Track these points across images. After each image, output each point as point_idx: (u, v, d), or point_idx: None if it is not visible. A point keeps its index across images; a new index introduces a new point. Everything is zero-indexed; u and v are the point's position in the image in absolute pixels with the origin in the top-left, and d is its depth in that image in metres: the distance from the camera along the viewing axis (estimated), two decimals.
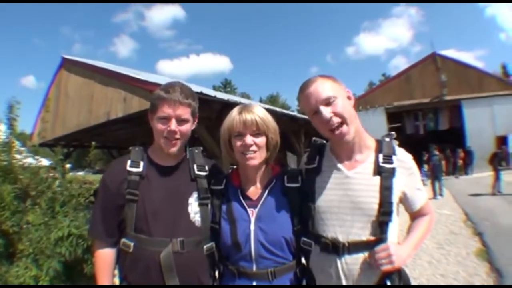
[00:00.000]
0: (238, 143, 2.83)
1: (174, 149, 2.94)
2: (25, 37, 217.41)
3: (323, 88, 2.61)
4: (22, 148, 7.08)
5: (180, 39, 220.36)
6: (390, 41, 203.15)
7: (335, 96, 2.59)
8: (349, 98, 2.73)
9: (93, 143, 8.81)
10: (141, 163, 2.98)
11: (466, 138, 35.36)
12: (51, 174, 6.68)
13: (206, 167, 3.15)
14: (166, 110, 2.84)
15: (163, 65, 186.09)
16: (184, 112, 2.90)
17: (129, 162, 2.96)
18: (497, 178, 20.99)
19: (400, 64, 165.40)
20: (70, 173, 8.60)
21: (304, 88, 2.70)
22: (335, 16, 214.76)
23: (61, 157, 7.19)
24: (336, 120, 2.58)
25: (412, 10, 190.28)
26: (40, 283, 4.86)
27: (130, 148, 3.12)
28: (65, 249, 5.16)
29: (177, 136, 2.90)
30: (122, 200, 2.85)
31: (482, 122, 34.34)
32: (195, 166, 3.09)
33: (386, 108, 37.79)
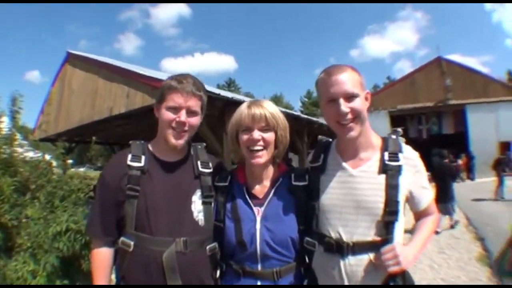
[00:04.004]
0: (245, 138, 2.76)
1: (180, 141, 2.85)
2: (30, 32, 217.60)
3: (351, 81, 2.52)
4: (24, 142, 7.07)
5: (185, 37, 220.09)
6: (395, 44, 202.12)
7: (358, 94, 2.52)
8: (366, 99, 2.65)
9: (94, 138, 8.75)
10: (143, 158, 2.87)
11: (470, 143, 35.32)
12: (52, 168, 6.66)
13: (210, 164, 3.06)
14: (178, 100, 2.77)
15: (168, 63, 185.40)
16: (195, 104, 2.84)
17: (129, 156, 2.85)
18: (500, 184, 20.94)
19: (405, 67, 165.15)
20: (72, 169, 8.56)
21: (331, 72, 2.58)
22: (340, 18, 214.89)
23: (62, 151, 7.16)
24: (349, 116, 2.51)
25: (419, 14, 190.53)
26: (37, 278, 4.83)
27: (131, 142, 3.02)
28: (63, 244, 5.13)
29: (186, 128, 2.83)
30: (122, 196, 2.74)
31: (486, 128, 34.29)
32: (199, 163, 3.01)
33: (389, 111, 37.74)
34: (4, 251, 5.21)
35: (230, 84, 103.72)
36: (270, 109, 2.81)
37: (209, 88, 10.00)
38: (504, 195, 20.55)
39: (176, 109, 2.78)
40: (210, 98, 9.60)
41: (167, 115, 2.80)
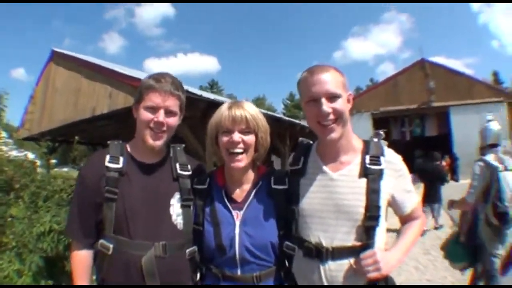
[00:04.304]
0: (225, 140, 2.74)
1: (159, 143, 2.81)
2: (15, 29, 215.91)
3: (334, 81, 2.50)
4: (9, 140, 7.03)
5: (168, 37, 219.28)
6: (378, 46, 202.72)
7: (341, 95, 2.50)
8: (348, 101, 2.63)
9: (76, 137, 8.71)
10: (121, 159, 2.82)
11: (453, 144, 35.48)
12: (36, 168, 6.64)
13: (189, 166, 3.03)
14: (155, 100, 2.73)
15: (151, 63, 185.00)
16: (174, 104, 2.80)
17: (107, 157, 2.80)
18: None
19: (388, 70, 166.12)
20: (55, 169, 8.50)
21: (314, 72, 2.55)
22: (324, 20, 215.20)
23: (45, 151, 7.13)
24: (331, 117, 2.48)
25: (403, 16, 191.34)
26: (23, 278, 4.82)
27: (109, 142, 2.97)
28: (47, 245, 5.14)
29: (164, 128, 2.78)
30: (100, 198, 2.70)
31: (470, 129, 34.08)
32: (177, 165, 2.98)
33: (372, 114, 37.84)
34: None
35: (212, 86, 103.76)
36: (251, 110, 2.80)
37: (191, 89, 10.01)
38: None
39: (154, 109, 2.75)
40: (192, 99, 9.66)
41: (145, 115, 2.76)
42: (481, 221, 5.85)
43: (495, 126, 6.52)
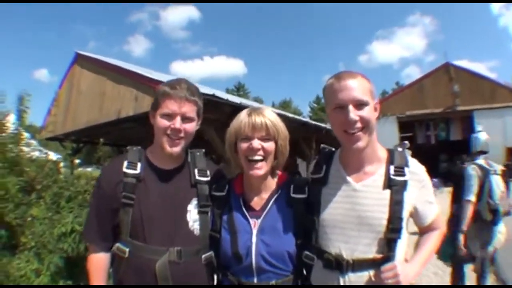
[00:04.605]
0: (244, 147, 2.68)
1: (176, 149, 2.79)
2: (38, 31, 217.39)
3: (361, 88, 2.43)
4: (32, 141, 7.10)
5: (194, 40, 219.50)
6: (403, 49, 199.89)
7: (368, 102, 2.43)
8: (375, 109, 2.55)
9: (101, 140, 8.76)
10: (139, 165, 2.84)
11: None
12: (59, 168, 6.69)
13: (208, 172, 3.00)
14: (171, 107, 2.70)
15: (177, 66, 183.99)
16: (190, 110, 2.77)
17: (125, 163, 2.82)
18: (507, 191, 20.81)
19: (413, 73, 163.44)
20: (80, 169, 8.56)
21: (341, 78, 2.47)
22: (349, 23, 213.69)
23: (69, 152, 7.19)
24: (358, 125, 2.41)
25: (427, 19, 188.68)
26: (41, 277, 4.86)
27: (128, 147, 2.99)
28: (68, 245, 5.16)
29: (181, 134, 2.76)
30: (117, 203, 2.72)
31: (493, 133, 33.78)
32: (196, 171, 2.95)
33: (398, 117, 37.52)
34: (8, 249, 5.24)
35: (239, 89, 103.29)
36: (271, 117, 2.74)
37: (217, 93, 10.02)
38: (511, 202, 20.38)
39: (170, 116, 2.73)
40: (218, 103, 9.68)
41: (162, 122, 2.75)
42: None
43: (483, 136, 7.26)
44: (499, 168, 6.75)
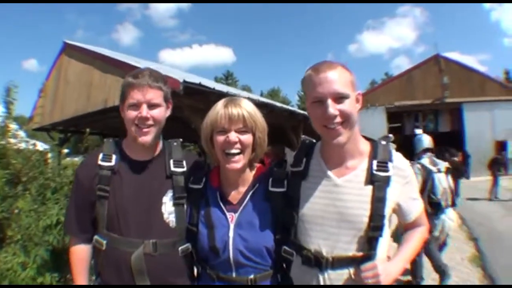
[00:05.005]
0: (221, 139, 2.60)
1: (147, 138, 2.74)
2: (26, 20, 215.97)
3: (341, 80, 2.31)
4: (19, 132, 7.06)
5: (183, 28, 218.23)
6: (394, 40, 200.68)
7: (348, 95, 2.32)
8: (357, 100, 2.43)
9: (87, 130, 8.78)
10: (114, 157, 2.83)
11: (466, 141, 35.32)
12: (46, 158, 6.66)
13: (184, 163, 2.95)
14: (136, 96, 2.68)
15: (166, 54, 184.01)
16: (155, 96, 2.73)
17: (101, 155, 2.82)
18: (495, 184, 21.06)
19: (402, 64, 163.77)
20: (67, 158, 8.51)
21: (319, 69, 2.35)
22: (339, 13, 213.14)
23: (56, 143, 7.15)
24: (338, 120, 2.30)
25: (417, 10, 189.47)
26: (27, 270, 4.82)
27: (104, 140, 3.00)
28: (53, 238, 5.14)
29: (150, 122, 2.72)
30: (94, 196, 2.73)
31: (482, 126, 34.41)
32: (171, 162, 2.91)
33: (386, 108, 37.60)
34: None
35: (228, 77, 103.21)
36: (248, 108, 2.66)
37: (204, 81, 9.96)
38: (498, 195, 20.77)
39: (136, 106, 2.70)
40: (205, 92, 9.62)
41: (129, 113, 2.72)
42: None
43: (425, 136, 8.11)
44: (444, 166, 7.53)
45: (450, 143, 25.14)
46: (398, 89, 38.15)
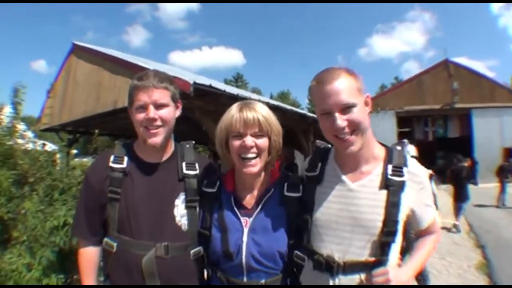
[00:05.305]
0: (237, 144, 2.58)
1: (157, 139, 2.72)
2: (35, 22, 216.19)
3: (345, 91, 2.27)
4: (26, 133, 7.05)
5: (193, 31, 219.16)
6: (403, 44, 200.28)
7: (355, 104, 2.29)
8: (366, 104, 2.41)
9: (96, 131, 8.74)
10: (125, 159, 2.81)
11: (474, 147, 35.11)
12: (54, 159, 6.66)
13: (197, 165, 2.93)
14: (142, 98, 2.67)
15: (176, 56, 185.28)
16: (161, 96, 2.71)
17: (112, 157, 2.81)
18: (502, 191, 20.90)
19: (412, 68, 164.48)
20: (76, 159, 8.51)
21: (322, 81, 2.32)
22: (348, 16, 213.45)
23: (64, 143, 7.16)
24: (347, 130, 2.29)
25: (427, 15, 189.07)
26: (32, 272, 4.81)
27: (116, 142, 2.98)
28: (60, 239, 5.12)
29: (158, 123, 2.70)
30: (104, 198, 2.72)
31: (490, 133, 34.21)
32: (183, 164, 2.90)
33: (396, 112, 37.42)
34: (0, 243, 5.20)
35: (237, 79, 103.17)
36: (263, 112, 2.64)
37: (214, 83, 9.96)
38: (505, 203, 20.60)
39: (143, 107, 2.68)
40: (216, 94, 9.62)
41: (138, 116, 2.71)
42: None
43: (410, 146, 7.60)
44: (428, 173, 7.20)
45: (459, 149, 25.10)
46: (408, 93, 37.95)
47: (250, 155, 2.59)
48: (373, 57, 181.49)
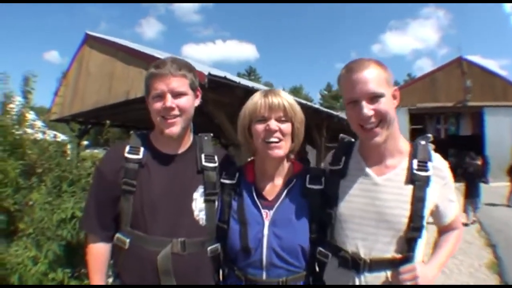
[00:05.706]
0: (261, 128, 2.56)
1: (175, 129, 2.62)
2: (49, 12, 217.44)
3: (374, 80, 2.28)
4: (36, 122, 7.01)
5: (207, 24, 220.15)
6: (417, 41, 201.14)
7: (383, 94, 2.29)
8: (394, 97, 2.41)
9: (107, 122, 8.73)
10: (141, 149, 2.70)
11: (486, 146, 35.00)
12: (64, 150, 6.62)
13: (216, 158, 2.83)
14: (159, 86, 2.58)
15: (189, 49, 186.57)
16: (180, 84, 2.61)
17: (127, 148, 2.69)
18: None
19: (425, 65, 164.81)
20: (87, 150, 8.47)
21: (352, 69, 2.34)
22: (362, 12, 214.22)
23: (75, 134, 7.13)
24: (373, 120, 2.30)
25: (441, 12, 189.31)
26: (38, 265, 4.74)
27: (131, 132, 2.87)
28: (67, 232, 5.02)
29: (176, 112, 2.60)
30: (118, 191, 2.60)
31: (502, 131, 34.03)
32: (202, 156, 2.79)
33: (409, 109, 37.27)
34: (5, 235, 5.14)
35: (250, 73, 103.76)
36: (288, 98, 2.62)
37: (229, 75, 9.87)
38: None
39: (161, 96, 2.60)
40: (230, 86, 9.54)
41: (155, 105, 2.62)
42: None
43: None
44: None
45: (471, 147, 24.97)
46: (421, 90, 37.81)
47: (273, 139, 2.55)
48: (386, 54, 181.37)
